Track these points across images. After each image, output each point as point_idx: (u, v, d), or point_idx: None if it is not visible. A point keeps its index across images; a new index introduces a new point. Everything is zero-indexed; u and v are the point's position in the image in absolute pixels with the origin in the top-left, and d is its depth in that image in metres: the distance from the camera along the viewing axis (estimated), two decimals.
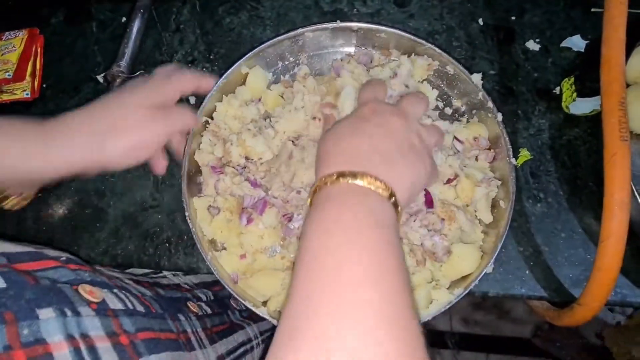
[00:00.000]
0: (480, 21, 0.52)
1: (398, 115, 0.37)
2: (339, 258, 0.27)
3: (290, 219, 0.42)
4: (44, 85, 0.56)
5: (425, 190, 0.43)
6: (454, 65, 0.46)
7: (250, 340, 0.52)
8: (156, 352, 0.33)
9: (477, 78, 0.45)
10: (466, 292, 0.40)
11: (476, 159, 0.45)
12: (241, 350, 0.49)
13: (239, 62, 0.47)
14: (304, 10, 0.55)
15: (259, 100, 0.48)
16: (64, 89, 0.56)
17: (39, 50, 0.57)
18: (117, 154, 0.38)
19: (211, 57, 0.55)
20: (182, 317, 0.41)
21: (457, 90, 0.47)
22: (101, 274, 0.37)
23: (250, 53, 0.47)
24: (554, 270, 0.43)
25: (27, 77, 0.55)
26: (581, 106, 0.47)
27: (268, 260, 0.43)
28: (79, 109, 0.39)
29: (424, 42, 0.46)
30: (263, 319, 0.43)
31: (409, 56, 0.47)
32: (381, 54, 0.49)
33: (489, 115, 0.44)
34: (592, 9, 0.51)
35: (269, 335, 0.57)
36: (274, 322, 0.40)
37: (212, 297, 0.54)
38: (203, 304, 0.49)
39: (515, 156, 0.47)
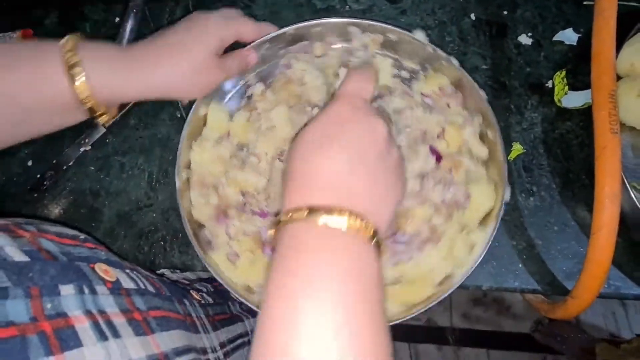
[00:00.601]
0: (473, 16, 0.52)
1: (382, 125, 0.31)
2: (307, 330, 0.24)
3: None
4: None
5: (431, 147, 0.44)
6: (394, 32, 0.45)
7: (247, 334, 0.53)
8: (167, 329, 0.34)
9: (420, 35, 0.45)
10: (498, 224, 0.40)
11: (448, 106, 0.45)
12: (239, 341, 0.50)
13: (194, 105, 0.44)
14: (296, 8, 0.55)
15: (228, 134, 0.46)
16: None
17: None
18: (184, 90, 0.39)
19: None
20: (187, 302, 0.42)
21: (405, 53, 0.47)
22: (113, 254, 0.38)
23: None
24: (547, 263, 0.43)
25: None
26: (573, 99, 0.47)
27: None
28: (158, 38, 0.39)
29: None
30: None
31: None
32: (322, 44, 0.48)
33: (443, 63, 0.44)
34: (584, 2, 0.51)
35: None
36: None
37: (212, 290, 0.55)
38: (204, 294, 0.50)
39: (508, 150, 0.47)
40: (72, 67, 0.34)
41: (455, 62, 0.43)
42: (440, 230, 0.42)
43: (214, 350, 0.42)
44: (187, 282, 0.54)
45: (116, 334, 0.29)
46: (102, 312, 0.30)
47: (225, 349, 0.45)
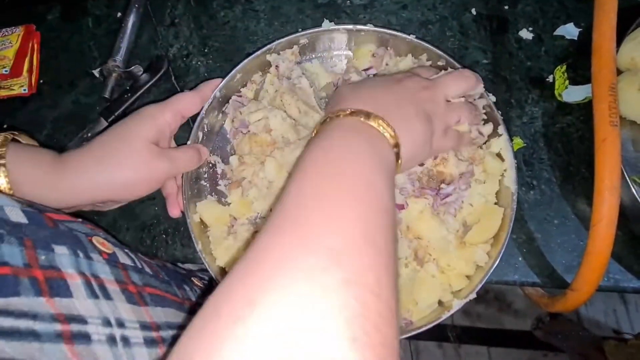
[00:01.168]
0: (474, 11, 0.53)
1: (425, 88, 0.38)
2: (336, 169, 0.28)
3: None
4: (41, 81, 0.57)
5: None
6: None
7: None
8: (162, 305, 0.35)
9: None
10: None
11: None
12: None
13: (187, 216, 0.44)
14: (298, 2, 0.56)
15: (235, 219, 0.45)
16: (61, 84, 0.56)
17: (35, 47, 0.57)
18: (120, 188, 0.40)
19: (206, 50, 0.55)
20: (187, 287, 0.43)
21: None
22: (114, 237, 0.39)
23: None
24: (547, 256, 0.43)
25: (24, 73, 0.55)
26: (574, 94, 0.47)
27: None
28: (86, 145, 0.41)
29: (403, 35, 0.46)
30: None
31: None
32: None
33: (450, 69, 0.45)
34: None
35: None
36: None
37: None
38: (206, 282, 0.50)
39: None
40: None
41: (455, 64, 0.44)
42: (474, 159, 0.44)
43: None
44: (190, 270, 0.54)
45: (108, 296, 0.30)
46: (95, 276, 0.30)
47: None
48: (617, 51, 0.38)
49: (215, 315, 0.21)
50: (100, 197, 0.40)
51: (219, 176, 0.48)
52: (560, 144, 0.47)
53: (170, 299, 0.37)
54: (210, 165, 0.48)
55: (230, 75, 0.46)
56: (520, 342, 1.34)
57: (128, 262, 0.35)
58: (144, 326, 0.31)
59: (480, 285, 0.40)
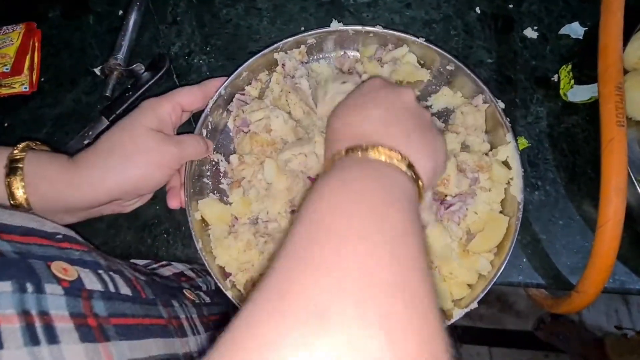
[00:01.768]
0: (478, 10, 0.52)
1: (411, 92, 0.35)
2: (339, 215, 0.25)
3: None
4: (42, 79, 0.56)
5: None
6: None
7: None
8: (129, 338, 0.32)
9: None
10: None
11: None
12: None
13: (188, 212, 0.43)
14: (301, 1, 0.55)
15: (236, 219, 0.45)
16: (62, 82, 0.56)
17: (36, 44, 0.57)
18: (133, 178, 0.39)
19: (208, 49, 0.55)
20: (175, 304, 0.41)
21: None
22: (97, 254, 0.36)
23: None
24: (551, 258, 0.43)
25: (25, 71, 0.55)
26: (579, 93, 0.47)
27: None
28: (94, 146, 0.41)
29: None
30: None
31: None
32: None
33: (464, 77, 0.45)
34: None
35: None
36: None
37: (213, 287, 0.55)
38: (202, 293, 0.50)
39: None
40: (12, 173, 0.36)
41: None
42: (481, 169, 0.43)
43: (201, 354, 0.41)
44: (191, 276, 0.53)
45: (53, 340, 0.27)
46: (43, 314, 0.27)
47: None
48: (623, 50, 0.38)
49: None
50: (117, 191, 0.40)
51: (221, 174, 0.47)
52: (566, 144, 0.46)
53: (147, 325, 0.35)
54: (214, 163, 0.48)
55: (236, 73, 0.46)
56: (522, 342, 1.34)
57: (97, 286, 0.32)
58: None
59: (482, 295, 0.40)
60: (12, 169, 0.37)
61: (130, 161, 0.39)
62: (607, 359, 1.14)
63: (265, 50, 0.46)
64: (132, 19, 0.55)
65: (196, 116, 0.46)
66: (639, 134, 0.45)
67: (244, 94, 0.48)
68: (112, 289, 0.34)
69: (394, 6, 0.53)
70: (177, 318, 0.40)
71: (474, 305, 0.40)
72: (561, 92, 0.47)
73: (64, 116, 0.54)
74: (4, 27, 0.57)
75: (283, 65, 0.47)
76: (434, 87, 0.48)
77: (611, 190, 0.33)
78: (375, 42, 0.48)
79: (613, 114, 0.35)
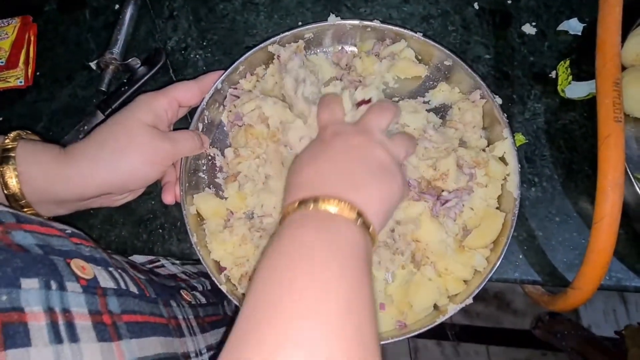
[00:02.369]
0: (476, 5, 0.52)
1: (360, 133, 0.36)
2: (288, 276, 0.28)
3: None
4: (38, 73, 0.56)
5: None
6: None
7: None
8: (138, 336, 0.33)
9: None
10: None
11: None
12: None
13: (183, 207, 0.43)
14: None
15: (232, 213, 0.45)
16: (58, 76, 0.55)
17: (32, 38, 0.57)
18: (125, 173, 0.39)
19: (204, 43, 0.54)
20: (173, 304, 0.41)
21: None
22: (103, 251, 0.37)
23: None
24: (548, 254, 0.43)
25: (21, 65, 0.55)
26: (577, 90, 0.46)
27: None
28: (88, 137, 0.40)
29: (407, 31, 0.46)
30: None
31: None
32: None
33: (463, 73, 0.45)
34: None
35: None
36: None
37: (208, 288, 0.54)
38: (198, 294, 0.49)
39: None
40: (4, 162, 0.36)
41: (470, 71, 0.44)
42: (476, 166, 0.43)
43: (198, 354, 0.41)
44: (185, 277, 0.53)
45: (74, 338, 0.28)
46: (65, 311, 0.28)
47: (212, 352, 0.44)
48: (621, 47, 0.38)
49: None
50: (107, 184, 0.39)
51: (217, 169, 0.47)
52: (563, 140, 0.46)
53: (153, 323, 0.35)
54: (209, 157, 0.48)
55: (232, 67, 0.46)
56: (519, 341, 1.34)
57: (110, 284, 0.33)
58: None
59: (477, 291, 0.39)
60: (5, 157, 0.37)
61: (122, 155, 0.39)
62: (607, 357, 1.13)
63: (262, 45, 0.46)
64: (129, 13, 0.54)
65: (192, 111, 0.46)
66: (636, 130, 0.44)
67: (236, 88, 0.47)
68: (123, 286, 0.35)
69: (392, 1, 0.53)
70: (175, 318, 0.40)
71: (469, 300, 0.40)
72: (559, 88, 0.47)
73: (60, 110, 0.54)
74: (0, 21, 0.57)
75: (278, 57, 0.46)
76: (431, 82, 0.48)
77: (608, 186, 0.33)
78: (373, 37, 0.48)
79: (610, 110, 0.35)
